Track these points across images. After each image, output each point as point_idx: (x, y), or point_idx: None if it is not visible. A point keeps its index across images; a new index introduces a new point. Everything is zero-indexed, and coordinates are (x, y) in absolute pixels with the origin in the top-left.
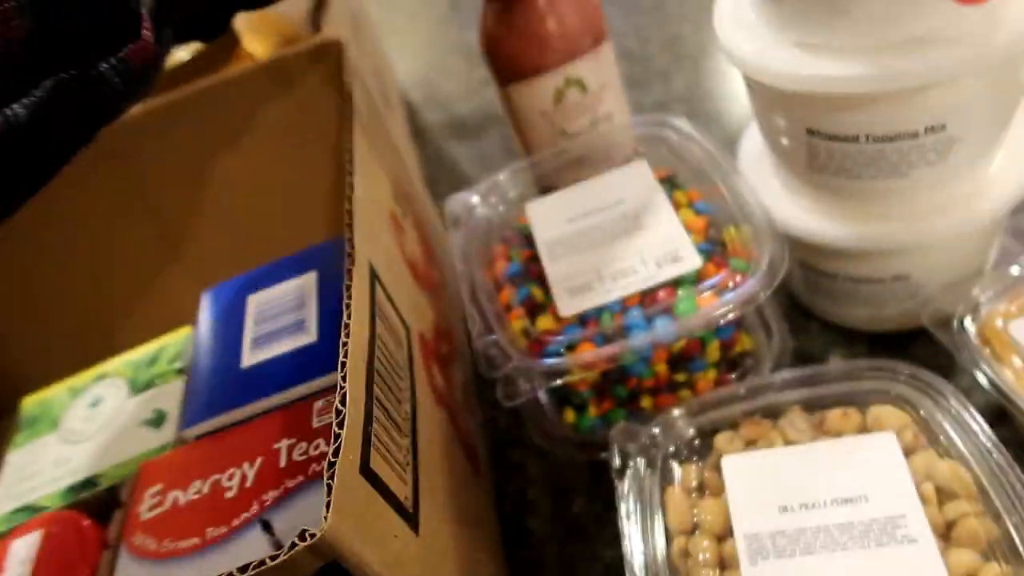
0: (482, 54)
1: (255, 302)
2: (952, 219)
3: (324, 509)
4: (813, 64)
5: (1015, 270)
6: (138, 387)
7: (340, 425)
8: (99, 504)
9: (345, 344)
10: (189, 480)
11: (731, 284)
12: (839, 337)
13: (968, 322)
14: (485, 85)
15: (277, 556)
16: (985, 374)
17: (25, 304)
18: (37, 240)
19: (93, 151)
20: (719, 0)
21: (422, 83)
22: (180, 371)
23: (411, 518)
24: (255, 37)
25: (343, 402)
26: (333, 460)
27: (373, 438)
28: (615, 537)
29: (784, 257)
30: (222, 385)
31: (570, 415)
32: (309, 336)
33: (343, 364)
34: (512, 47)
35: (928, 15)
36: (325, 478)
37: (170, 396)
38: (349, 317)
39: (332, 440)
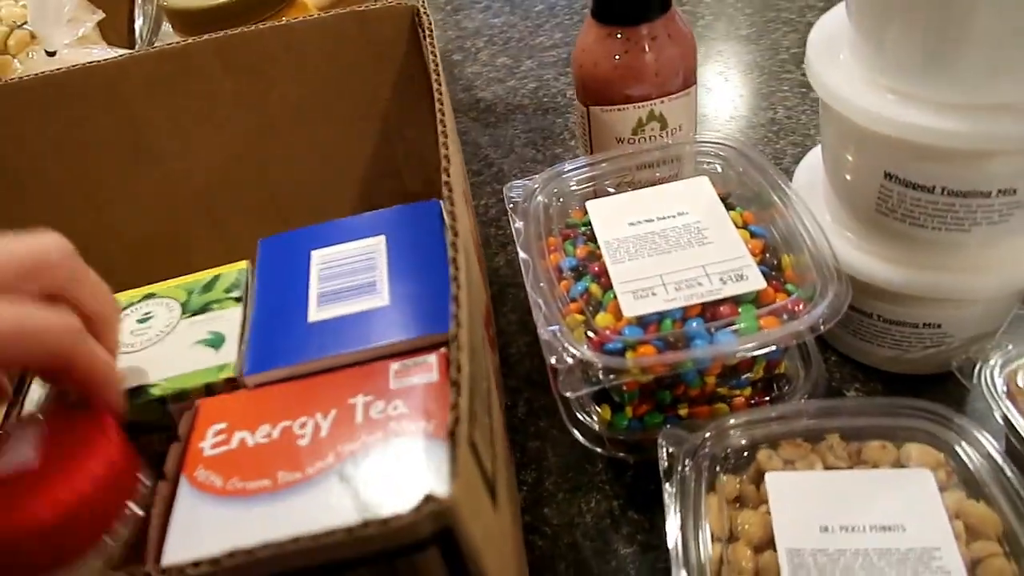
0: (573, 68)
1: (319, 258)
2: (997, 277)
3: (448, 476)
4: (908, 112)
5: None
6: (191, 309)
7: (458, 392)
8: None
9: (456, 314)
10: (257, 423)
11: (796, 310)
12: (856, 372)
13: (996, 370)
14: (510, 75)
15: (399, 517)
16: (1009, 419)
17: (90, 225)
18: (113, 164)
19: (171, 84)
20: (812, 36)
21: (444, 62)
22: (238, 299)
23: (494, 493)
24: None
25: (458, 370)
26: (454, 427)
27: (475, 409)
28: (631, 534)
29: (848, 292)
30: (288, 336)
31: (607, 412)
32: (381, 299)
33: (456, 335)
34: (609, 74)
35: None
36: (447, 444)
37: (228, 322)
38: (459, 288)
39: (451, 407)
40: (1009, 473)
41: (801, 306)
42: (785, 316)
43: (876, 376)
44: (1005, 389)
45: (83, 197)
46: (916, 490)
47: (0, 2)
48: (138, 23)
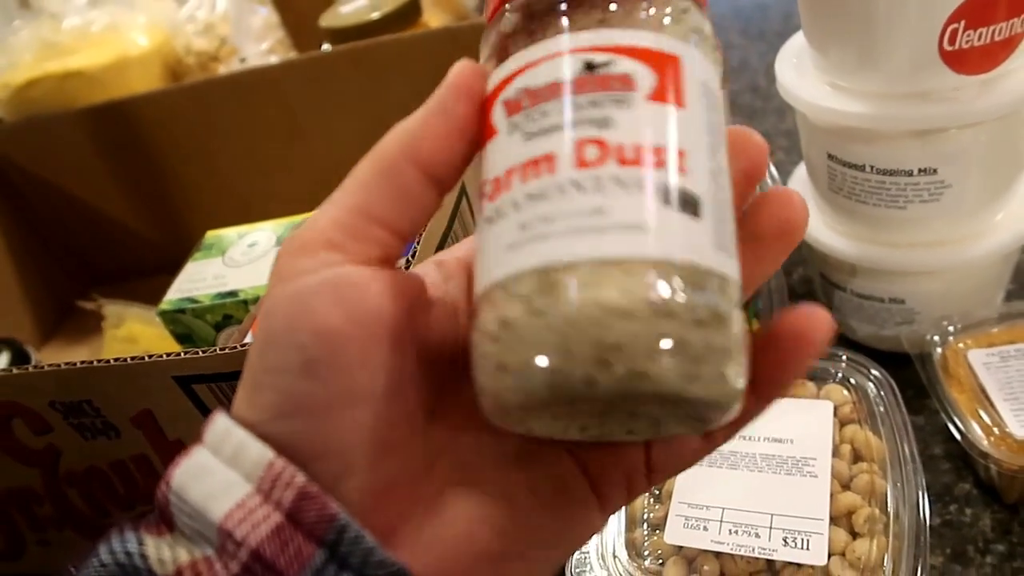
0: None
1: None
2: (941, 256)
3: None
4: (834, 100)
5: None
6: (282, 239)
7: None
8: None
9: None
10: None
11: None
12: (845, 350)
13: (937, 348)
14: None
15: None
16: (936, 394)
17: (258, 189)
18: (275, 143)
19: (317, 82)
20: (785, 45)
21: None
22: None
23: None
24: (435, 11)
25: None
26: None
27: None
28: None
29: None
30: None
31: None
32: None
33: None
34: None
35: (935, 78)
36: None
37: None
38: None
39: None
40: (900, 416)
41: None
42: None
43: (864, 354)
44: (940, 360)
45: (254, 167)
46: (814, 416)
47: (216, 20)
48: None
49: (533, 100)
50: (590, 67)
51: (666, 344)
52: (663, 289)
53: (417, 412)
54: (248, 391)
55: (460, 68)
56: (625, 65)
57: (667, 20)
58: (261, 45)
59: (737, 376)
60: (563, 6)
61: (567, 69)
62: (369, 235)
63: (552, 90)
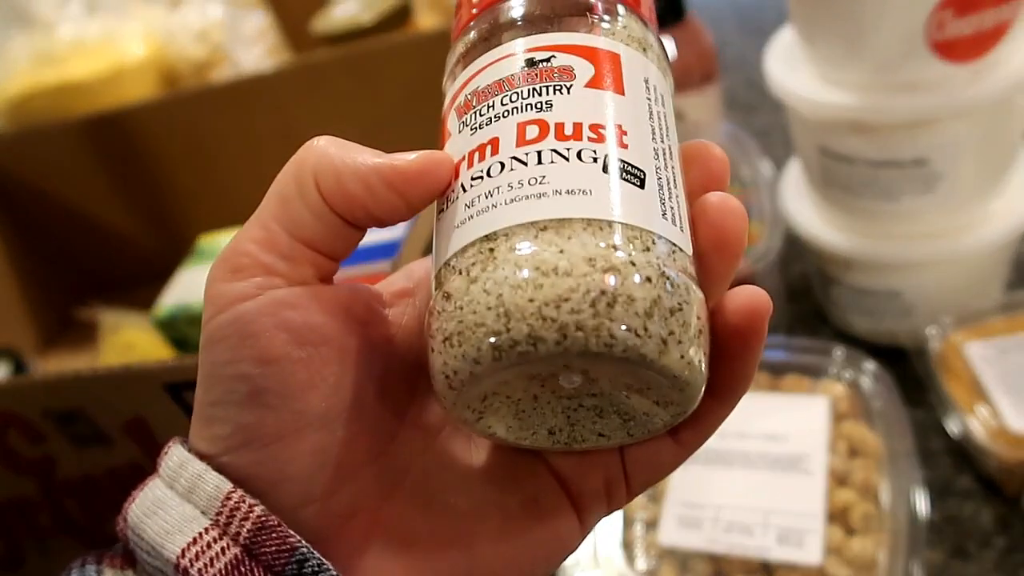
0: None
1: None
2: (936, 247)
3: None
4: (824, 93)
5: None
6: None
7: None
8: None
9: None
10: None
11: None
12: (841, 345)
13: (934, 341)
14: None
15: None
16: (934, 389)
17: (255, 194)
18: (271, 147)
19: (310, 87)
20: (775, 40)
21: None
22: None
23: None
24: (426, 12)
25: None
26: None
27: None
28: None
29: (775, 248)
30: None
31: None
32: None
33: None
34: None
35: (924, 68)
36: None
37: None
38: None
39: None
40: (896, 412)
41: None
42: None
43: (864, 349)
44: (937, 353)
45: (250, 173)
46: (809, 412)
47: (210, 26)
48: None
49: (480, 98)
50: (532, 63)
51: (607, 298)
52: (602, 245)
53: (379, 429)
54: (199, 424)
55: (431, 155)
56: (565, 59)
57: (607, 25)
58: (255, 50)
59: (691, 345)
60: (518, 23)
61: (511, 67)
62: (301, 255)
63: (497, 86)
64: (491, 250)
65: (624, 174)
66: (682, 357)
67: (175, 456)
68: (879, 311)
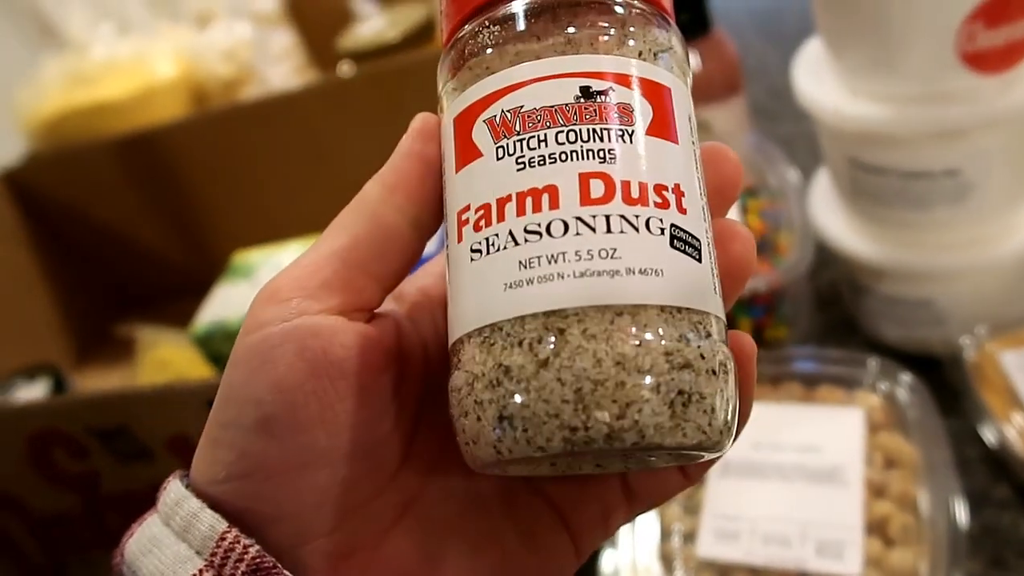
0: None
1: None
2: (968, 256)
3: None
4: (855, 106)
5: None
6: None
7: None
8: None
9: None
10: None
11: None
12: (874, 355)
13: (968, 350)
14: None
15: None
16: (969, 398)
17: (285, 208)
18: (300, 163)
19: (336, 104)
20: (801, 51)
21: None
22: None
23: None
24: None
25: None
26: None
27: None
28: None
29: (806, 259)
30: None
31: None
32: None
33: None
34: None
35: (954, 79)
36: None
37: None
38: None
39: None
40: (931, 421)
41: (767, 269)
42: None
43: (895, 358)
44: (973, 362)
45: (279, 189)
46: (843, 423)
47: (238, 45)
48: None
49: (526, 125)
50: (588, 94)
51: (683, 399)
52: (676, 336)
53: (383, 468)
54: (205, 446)
55: (424, 116)
56: (623, 95)
57: (639, 44)
58: (282, 68)
59: (735, 419)
60: (532, 20)
61: (563, 93)
62: (348, 283)
63: (549, 116)
64: (561, 331)
65: (687, 248)
66: (723, 429)
67: (172, 492)
68: (911, 320)
